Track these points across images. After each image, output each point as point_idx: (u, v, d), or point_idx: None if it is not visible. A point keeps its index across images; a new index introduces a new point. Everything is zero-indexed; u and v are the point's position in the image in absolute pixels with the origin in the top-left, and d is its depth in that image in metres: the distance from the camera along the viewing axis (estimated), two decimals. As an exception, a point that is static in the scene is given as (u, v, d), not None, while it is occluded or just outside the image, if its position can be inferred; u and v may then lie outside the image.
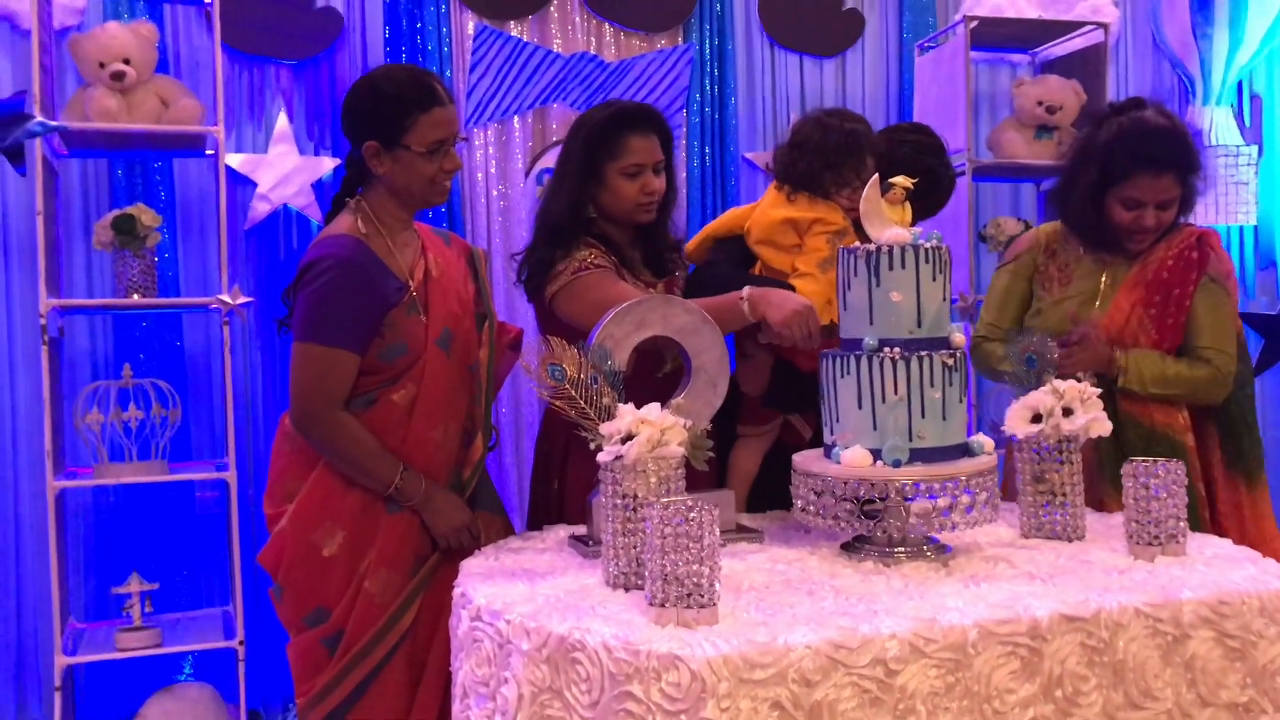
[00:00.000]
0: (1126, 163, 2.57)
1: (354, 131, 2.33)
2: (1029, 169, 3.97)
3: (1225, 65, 4.39)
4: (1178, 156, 2.58)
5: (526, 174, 4.01)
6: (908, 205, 2.04)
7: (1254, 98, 4.55)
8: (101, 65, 3.17)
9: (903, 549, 1.99)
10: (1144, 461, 2.02)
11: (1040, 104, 3.87)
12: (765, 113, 4.24)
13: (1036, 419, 2.18)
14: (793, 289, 2.38)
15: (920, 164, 2.54)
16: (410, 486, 2.30)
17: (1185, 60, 4.46)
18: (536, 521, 2.62)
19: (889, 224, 2.00)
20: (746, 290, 2.32)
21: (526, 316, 3.86)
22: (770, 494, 2.56)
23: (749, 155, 4.19)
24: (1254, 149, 4.29)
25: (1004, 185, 4.44)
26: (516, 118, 4.00)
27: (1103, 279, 2.69)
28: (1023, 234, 3.08)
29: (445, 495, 2.36)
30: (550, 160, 3.99)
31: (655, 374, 2.45)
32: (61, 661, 3.10)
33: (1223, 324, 2.62)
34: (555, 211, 2.55)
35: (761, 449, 2.60)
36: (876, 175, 2.03)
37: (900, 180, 2.03)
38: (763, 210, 2.59)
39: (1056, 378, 2.21)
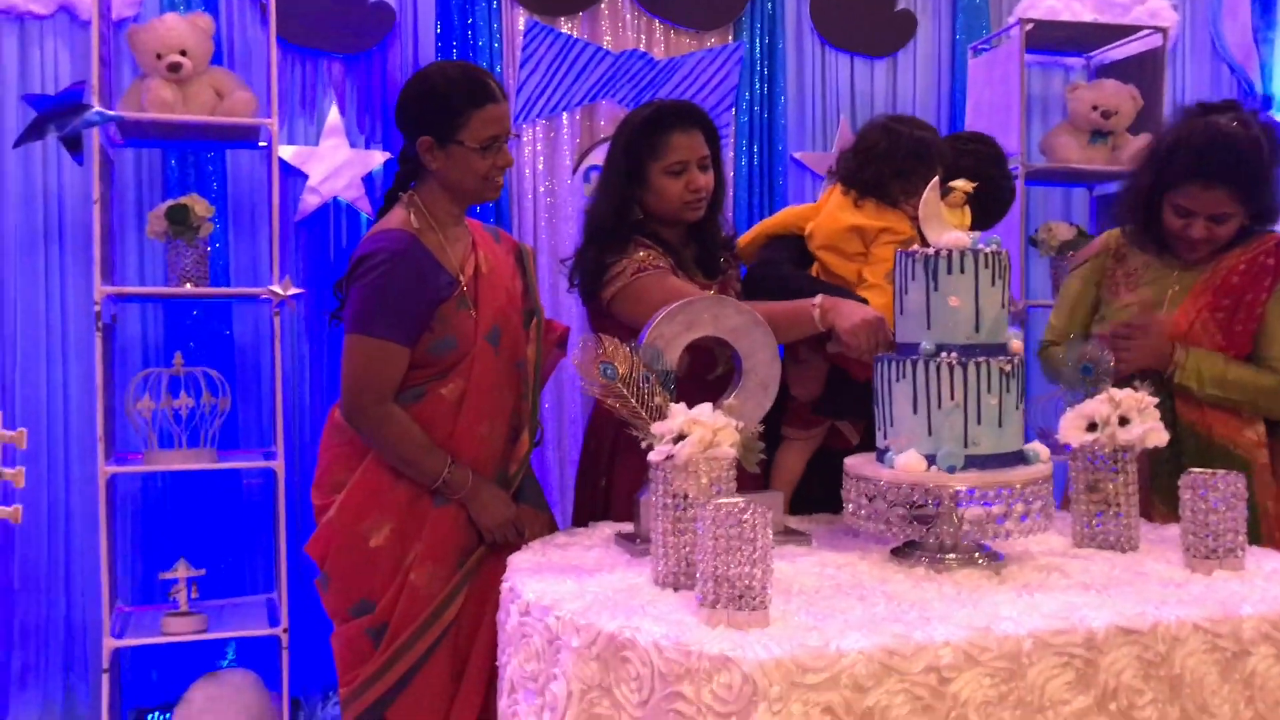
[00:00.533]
0: (1179, 170, 2.52)
1: (408, 126, 2.34)
2: (1082, 174, 3.92)
3: (1287, 71, 4.33)
4: (1234, 171, 2.48)
5: (574, 171, 4.01)
6: (967, 209, 2.02)
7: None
8: (158, 56, 3.20)
9: (954, 555, 1.97)
10: (1202, 473, 1.99)
11: (1095, 108, 3.83)
12: (815, 113, 4.22)
13: (1092, 427, 2.16)
14: (862, 300, 2.36)
15: (984, 174, 2.51)
16: (457, 480, 2.31)
17: (1245, 65, 4.39)
18: (581, 518, 2.62)
19: (948, 227, 1.98)
20: (820, 298, 2.29)
21: (571, 314, 3.90)
22: (812, 498, 2.57)
23: (798, 155, 4.17)
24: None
25: (1056, 190, 4.39)
26: (565, 114, 4.00)
27: (1171, 284, 2.64)
28: (1093, 240, 3.04)
29: (492, 490, 2.37)
30: (597, 157, 4.00)
31: (707, 376, 2.44)
32: (110, 644, 3.14)
33: None
34: (601, 214, 2.54)
35: (807, 452, 2.59)
36: (936, 178, 2.01)
37: (960, 184, 2.01)
38: (829, 214, 2.55)
39: (1114, 368, 2.18)
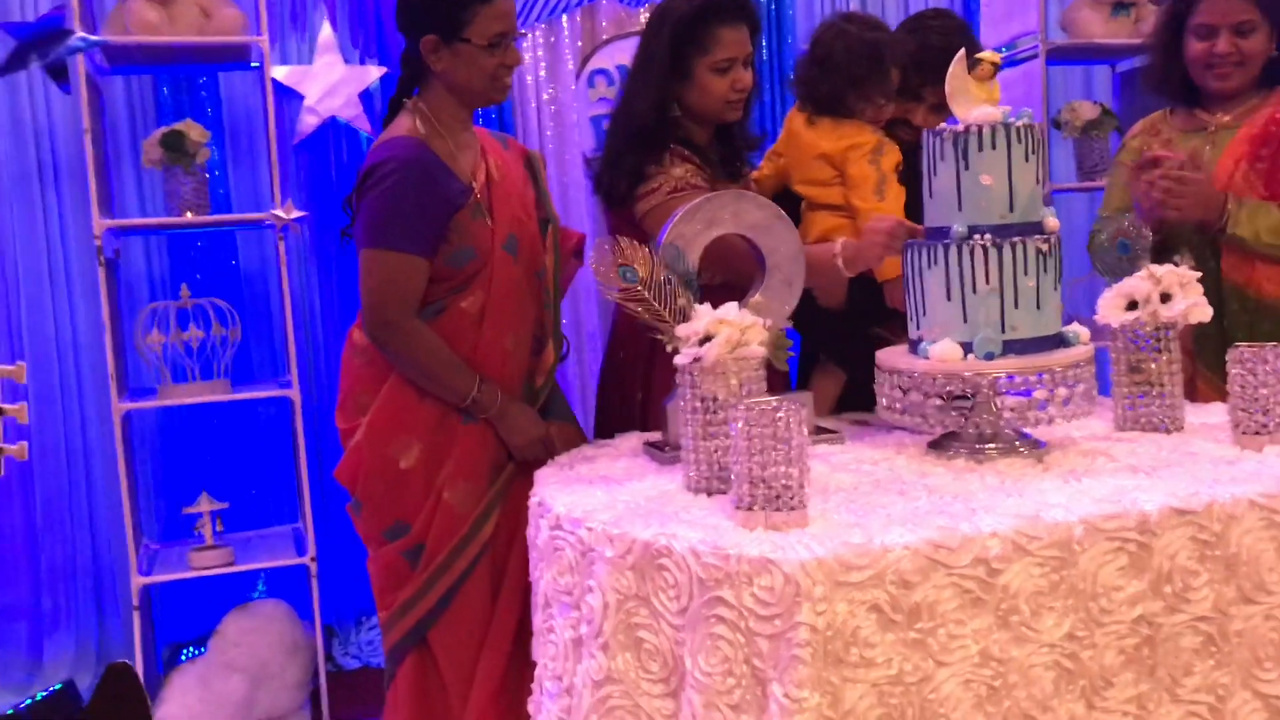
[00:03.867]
0: None
1: (411, 26, 2.23)
2: (1105, 49, 3.77)
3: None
4: None
5: (578, 76, 3.90)
6: (996, 82, 1.91)
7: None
8: (140, -24, 3.08)
9: (994, 445, 1.90)
10: (1250, 347, 1.91)
11: (1117, -22, 3.67)
12: (824, 10, 4.06)
13: (1132, 306, 2.07)
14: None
15: (955, 47, 2.43)
16: (486, 398, 2.25)
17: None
18: (607, 431, 2.54)
19: (978, 102, 1.88)
20: (840, 244, 2.22)
21: (583, 222, 3.81)
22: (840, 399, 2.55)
23: (808, 47, 4.02)
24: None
25: (1075, 69, 4.24)
26: (565, 17, 3.87)
27: (1206, 145, 2.56)
28: (1117, 121, 2.97)
29: (521, 408, 2.31)
30: (601, 60, 3.89)
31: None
32: (138, 582, 3.12)
33: None
34: (640, 112, 2.41)
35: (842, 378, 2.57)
36: (962, 51, 1.91)
37: (988, 55, 1.90)
38: (793, 148, 2.52)
39: (1164, 217, 2.09)
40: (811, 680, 1.44)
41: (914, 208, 2.19)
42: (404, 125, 2.24)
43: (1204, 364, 2.50)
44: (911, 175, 2.32)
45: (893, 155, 2.44)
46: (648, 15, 3.87)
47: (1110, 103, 4.05)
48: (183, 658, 3.58)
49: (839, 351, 2.56)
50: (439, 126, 2.25)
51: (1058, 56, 3.77)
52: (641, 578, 1.61)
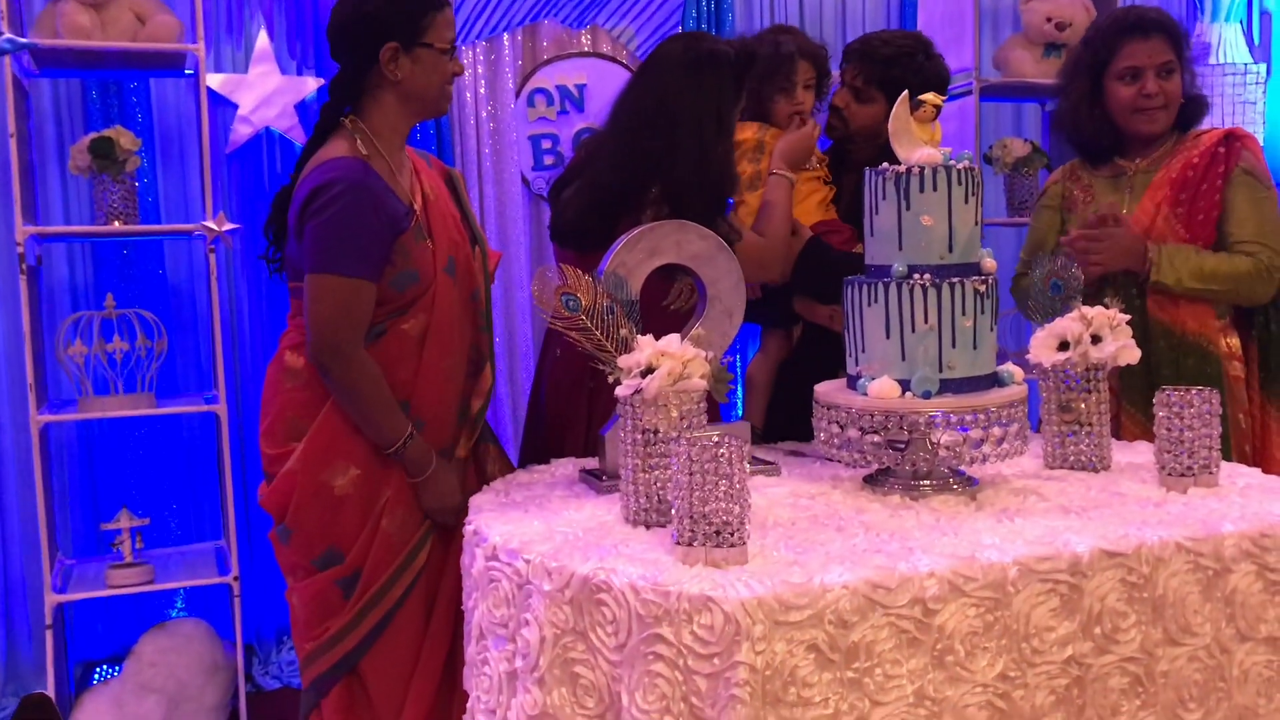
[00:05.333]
0: (1113, 35, 2.60)
1: (365, 36, 2.17)
2: (1037, 88, 3.85)
3: (1235, -20, 4.28)
4: (1163, 20, 2.60)
5: (517, 94, 3.87)
6: (938, 124, 1.94)
7: (1264, 14, 4.43)
8: (72, -22, 3.00)
9: (928, 482, 1.93)
10: (1177, 390, 1.96)
11: (1049, 20, 3.75)
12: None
13: (1064, 346, 2.11)
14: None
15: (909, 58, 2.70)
16: (415, 450, 2.18)
17: (1195, -18, 4.34)
18: (540, 454, 2.50)
19: (919, 144, 1.90)
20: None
21: (521, 242, 3.79)
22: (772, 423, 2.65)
23: (747, 75, 4.05)
24: (1263, 67, 4.19)
25: (1007, 106, 4.33)
26: (506, 35, 3.84)
27: (1126, 189, 2.64)
28: (1047, 158, 3.08)
29: (447, 472, 2.24)
30: (541, 80, 3.87)
31: (662, 303, 2.36)
32: (52, 600, 3.02)
33: (1266, 218, 2.53)
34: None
35: (773, 364, 2.70)
36: (906, 93, 1.93)
37: (930, 97, 1.93)
38: None
39: (1084, 280, 2.16)
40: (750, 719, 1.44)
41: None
42: (343, 146, 2.19)
43: (1129, 401, 2.56)
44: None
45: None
46: (589, 38, 3.92)
47: (1039, 139, 4.14)
48: (95, 677, 3.48)
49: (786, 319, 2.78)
50: (379, 146, 2.21)
51: (990, 94, 3.85)
52: (579, 612, 1.60)
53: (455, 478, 2.26)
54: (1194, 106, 2.65)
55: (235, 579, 3.14)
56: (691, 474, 1.57)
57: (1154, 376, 2.47)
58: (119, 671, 3.26)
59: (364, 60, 2.20)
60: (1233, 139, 2.57)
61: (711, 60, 2.40)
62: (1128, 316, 2.13)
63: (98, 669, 3.54)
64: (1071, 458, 2.13)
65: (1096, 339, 2.10)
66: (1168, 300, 2.53)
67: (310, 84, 3.63)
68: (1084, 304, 2.15)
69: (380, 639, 2.20)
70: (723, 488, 1.57)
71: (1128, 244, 2.52)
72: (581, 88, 3.89)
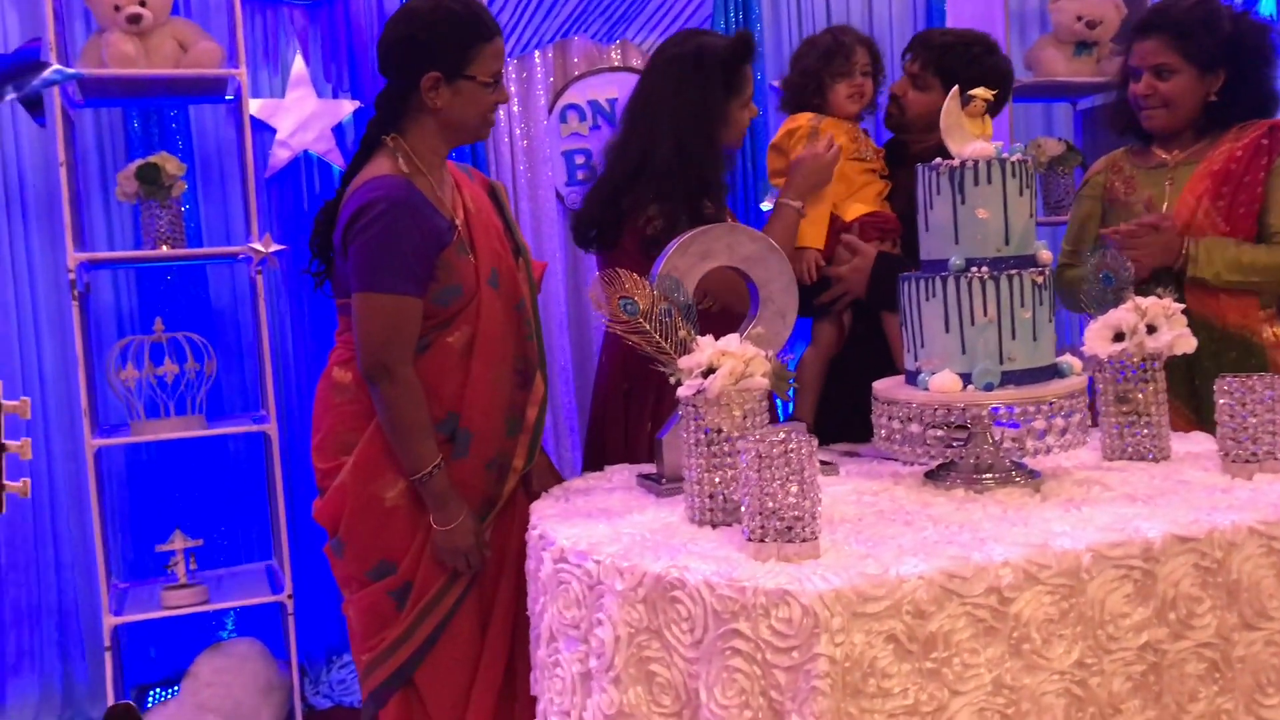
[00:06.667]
0: (1130, 32, 2.66)
1: (409, 62, 2.21)
2: (1068, 87, 3.86)
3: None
4: (1164, 17, 2.58)
5: (549, 110, 3.90)
6: (989, 118, 1.95)
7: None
8: (117, 9, 3.05)
9: (991, 475, 1.93)
10: (1238, 377, 1.95)
11: (1080, 19, 3.76)
12: (792, 39, 4.12)
13: (1119, 337, 2.11)
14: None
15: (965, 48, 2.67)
16: (439, 485, 2.17)
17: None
18: (602, 463, 2.51)
19: (971, 138, 1.91)
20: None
21: (555, 257, 3.82)
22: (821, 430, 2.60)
23: (777, 83, 4.07)
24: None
25: (1036, 106, 4.33)
26: (538, 52, 3.88)
27: (1166, 181, 2.64)
28: (1081, 156, 3.08)
29: (467, 514, 2.21)
30: (575, 95, 3.90)
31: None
32: (109, 622, 3.05)
33: None
34: (665, 156, 2.47)
35: (824, 358, 2.66)
36: (956, 88, 1.94)
37: (979, 92, 1.94)
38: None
39: (1126, 270, 2.15)
40: (831, 711, 1.44)
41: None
42: (385, 165, 2.21)
43: (1172, 393, 2.53)
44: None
45: (842, 136, 2.62)
46: (619, 52, 3.95)
47: (1073, 138, 4.14)
48: (149, 700, 3.50)
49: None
50: (420, 164, 2.24)
51: (1023, 94, 3.86)
52: (653, 610, 1.61)
53: (473, 522, 2.23)
54: (1238, 101, 2.59)
55: (289, 597, 3.16)
56: (761, 470, 1.58)
57: (1194, 369, 2.47)
58: (173, 694, 3.28)
59: (407, 84, 2.23)
60: (1277, 130, 2.56)
61: (696, 55, 2.50)
62: (1182, 305, 2.12)
63: (150, 692, 3.56)
64: (1130, 448, 2.12)
65: (1151, 329, 2.10)
66: (1206, 294, 2.53)
67: (346, 107, 3.67)
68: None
69: (435, 649, 2.21)
70: (793, 483, 1.58)
71: (1166, 242, 2.52)
72: (613, 102, 3.92)
